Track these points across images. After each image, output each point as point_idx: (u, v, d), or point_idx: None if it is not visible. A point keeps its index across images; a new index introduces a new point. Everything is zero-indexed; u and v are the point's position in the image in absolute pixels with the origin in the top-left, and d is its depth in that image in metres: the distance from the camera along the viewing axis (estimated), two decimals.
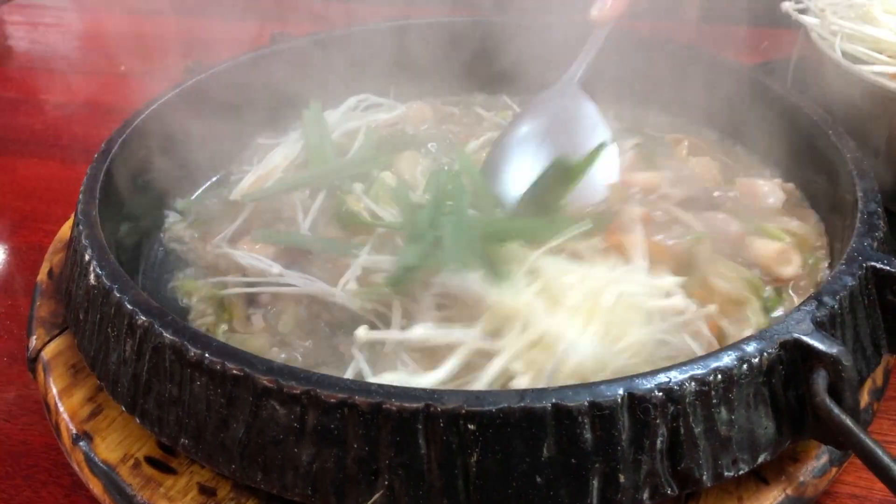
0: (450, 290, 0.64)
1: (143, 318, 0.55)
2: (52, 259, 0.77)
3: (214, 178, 0.90)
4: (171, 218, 0.84)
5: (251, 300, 0.71)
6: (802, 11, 0.93)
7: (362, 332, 0.62)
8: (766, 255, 0.71)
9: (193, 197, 0.87)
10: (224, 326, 0.70)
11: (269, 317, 0.69)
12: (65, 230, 0.82)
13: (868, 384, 0.61)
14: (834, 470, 0.56)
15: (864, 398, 0.60)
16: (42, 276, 0.75)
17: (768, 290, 0.70)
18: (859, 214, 0.63)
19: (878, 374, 0.62)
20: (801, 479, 0.54)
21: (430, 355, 0.61)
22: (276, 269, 0.71)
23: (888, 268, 0.58)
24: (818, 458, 0.55)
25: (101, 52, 1.48)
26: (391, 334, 0.63)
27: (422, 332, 0.61)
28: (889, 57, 0.85)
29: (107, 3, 1.72)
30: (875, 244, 0.60)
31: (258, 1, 1.28)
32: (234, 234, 0.78)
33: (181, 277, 0.76)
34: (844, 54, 0.85)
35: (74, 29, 1.63)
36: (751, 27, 1.36)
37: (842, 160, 0.71)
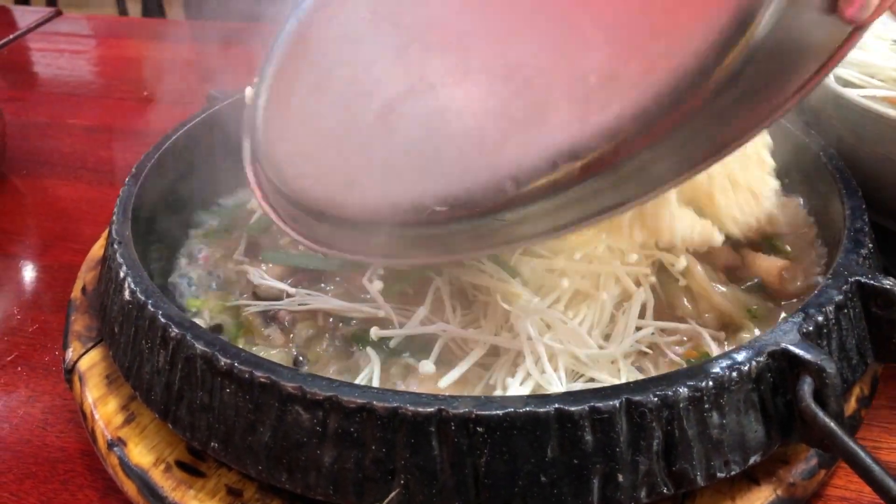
0: (463, 283, 0.70)
1: (176, 331, 0.59)
2: (84, 276, 0.82)
3: (237, 198, 0.94)
4: (194, 236, 0.88)
5: (269, 316, 0.75)
6: None
7: (375, 331, 0.69)
8: (771, 272, 0.74)
9: (216, 217, 0.91)
10: (242, 341, 0.74)
11: (287, 332, 0.74)
12: (96, 249, 0.86)
13: (856, 392, 0.64)
14: (823, 472, 0.59)
15: (852, 405, 0.64)
16: (76, 292, 0.79)
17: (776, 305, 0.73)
18: (846, 231, 0.67)
19: (866, 382, 0.66)
20: (791, 480, 0.58)
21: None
22: (289, 290, 0.75)
23: (872, 282, 0.61)
24: (807, 461, 0.59)
25: (124, 77, 1.53)
26: (400, 331, 0.69)
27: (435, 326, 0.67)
28: (880, 81, 0.89)
29: (129, 30, 1.78)
30: (861, 260, 0.64)
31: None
32: (247, 250, 0.82)
33: (194, 294, 0.80)
34: (837, 78, 0.89)
35: (98, 55, 1.69)
36: None
37: (831, 179, 0.75)
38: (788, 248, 0.78)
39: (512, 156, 0.53)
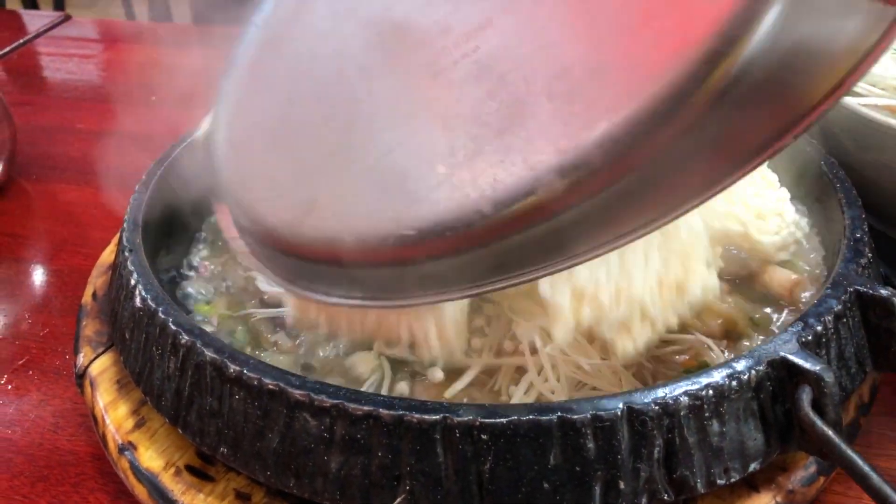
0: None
1: (186, 338, 0.60)
2: (95, 282, 0.83)
3: None
4: (203, 242, 0.89)
5: (277, 322, 0.76)
6: None
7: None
8: (784, 285, 0.75)
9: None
10: (250, 348, 0.75)
11: (294, 338, 0.74)
12: (106, 254, 0.88)
13: (855, 400, 0.65)
14: (822, 479, 0.60)
15: (851, 413, 0.64)
16: (87, 297, 0.81)
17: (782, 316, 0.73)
18: (846, 241, 0.68)
19: (865, 390, 0.66)
20: (790, 487, 0.58)
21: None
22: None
23: (871, 292, 0.62)
24: (806, 468, 0.60)
25: (133, 82, 1.55)
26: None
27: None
28: (882, 90, 0.89)
29: (138, 34, 1.79)
30: (860, 269, 0.65)
31: None
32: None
33: (203, 300, 0.81)
34: None
35: (107, 59, 1.70)
36: None
37: (831, 188, 0.76)
38: (796, 258, 0.79)
39: (487, 169, 0.47)
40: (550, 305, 0.59)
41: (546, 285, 0.59)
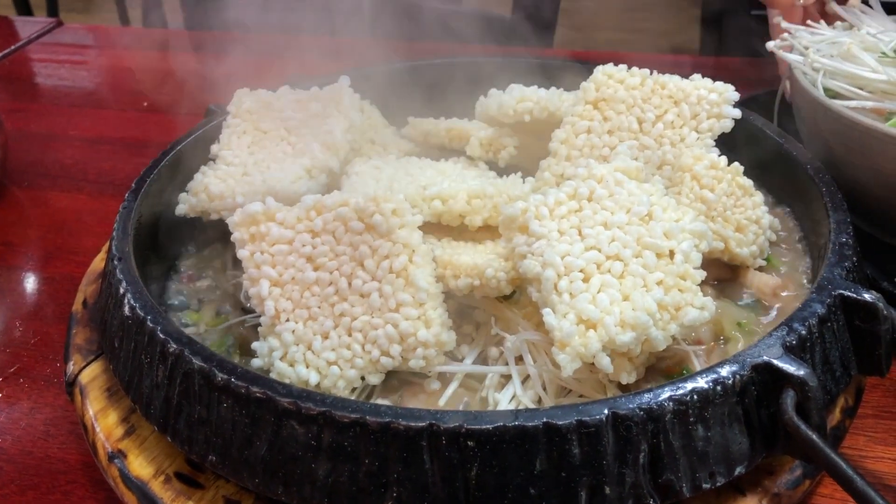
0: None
1: (175, 346, 0.61)
2: (85, 290, 0.83)
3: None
4: (193, 249, 0.89)
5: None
6: (787, 50, 0.98)
7: None
8: (763, 290, 0.75)
9: (213, 230, 0.92)
10: (237, 356, 0.75)
11: None
12: (97, 262, 0.88)
13: (840, 403, 0.65)
14: (807, 482, 0.60)
15: (837, 416, 0.65)
16: (77, 305, 0.81)
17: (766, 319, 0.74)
18: (831, 245, 0.68)
19: (851, 393, 0.67)
20: (776, 490, 0.59)
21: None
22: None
23: (855, 296, 0.62)
24: (792, 472, 0.60)
25: (125, 88, 1.55)
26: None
27: None
28: (869, 92, 0.90)
29: (129, 40, 1.79)
30: (845, 273, 0.65)
31: (274, 39, 1.34)
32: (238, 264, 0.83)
33: (193, 307, 0.81)
34: (826, 90, 0.90)
35: (99, 65, 1.70)
36: (743, 56, 1.42)
37: (817, 193, 0.76)
38: (778, 261, 0.79)
39: None
40: (557, 332, 0.60)
41: (550, 314, 0.61)
